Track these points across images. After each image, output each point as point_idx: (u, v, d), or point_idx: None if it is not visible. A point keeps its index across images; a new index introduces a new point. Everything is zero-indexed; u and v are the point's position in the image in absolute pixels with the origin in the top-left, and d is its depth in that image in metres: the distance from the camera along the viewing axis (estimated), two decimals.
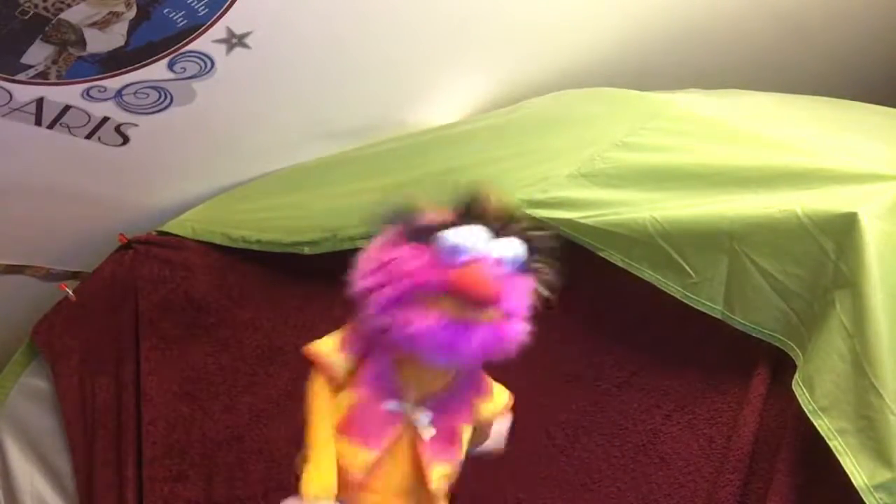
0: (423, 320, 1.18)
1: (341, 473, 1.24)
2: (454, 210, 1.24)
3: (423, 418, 1.26)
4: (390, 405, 1.26)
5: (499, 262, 1.21)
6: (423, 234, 1.22)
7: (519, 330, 1.24)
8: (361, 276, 1.23)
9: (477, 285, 1.17)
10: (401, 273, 1.20)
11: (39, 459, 2.30)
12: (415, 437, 1.26)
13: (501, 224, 1.24)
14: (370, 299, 1.21)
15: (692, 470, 1.50)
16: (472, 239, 1.21)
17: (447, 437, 1.28)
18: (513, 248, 1.23)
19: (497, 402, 1.37)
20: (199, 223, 2.19)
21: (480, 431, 1.37)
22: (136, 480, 2.12)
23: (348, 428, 1.25)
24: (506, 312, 1.21)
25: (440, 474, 1.27)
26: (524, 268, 1.24)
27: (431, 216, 1.24)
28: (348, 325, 1.30)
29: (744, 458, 1.41)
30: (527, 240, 1.25)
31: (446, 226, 1.21)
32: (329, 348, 1.28)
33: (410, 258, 1.21)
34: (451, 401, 1.29)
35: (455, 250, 1.19)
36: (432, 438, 1.27)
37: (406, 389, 1.27)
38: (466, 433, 1.32)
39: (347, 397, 1.27)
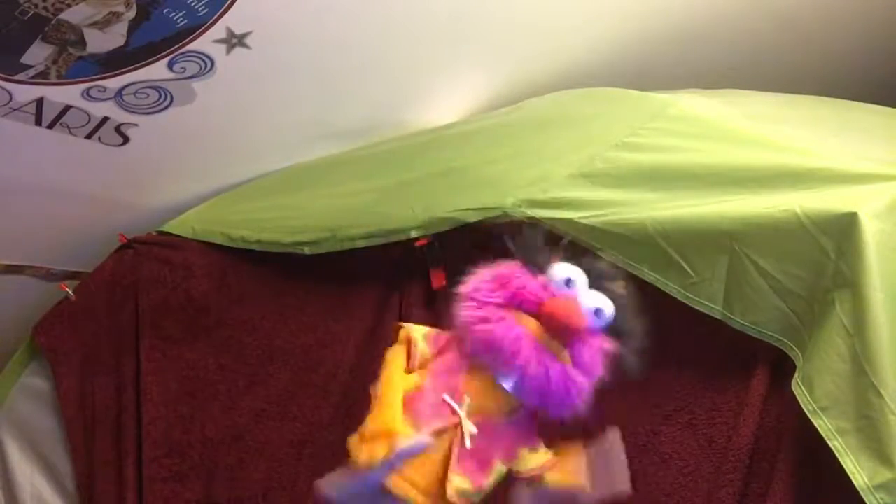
0: (508, 329, 1.24)
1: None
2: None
3: (468, 428, 1.28)
4: (448, 398, 1.29)
5: (592, 311, 1.29)
6: (537, 262, 1.32)
7: (581, 385, 1.27)
8: (476, 282, 1.29)
9: (570, 316, 1.25)
10: (514, 282, 1.28)
11: (39, 459, 2.29)
12: (452, 443, 1.28)
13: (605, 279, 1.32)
14: (474, 294, 1.28)
15: (692, 470, 1.50)
16: (581, 280, 1.30)
17: (479, 460, 1.29)
18: (607, 305, 1.30)
19: (539, 459, 1.37)
20: (199, 223, 2.18)
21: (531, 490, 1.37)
22: (136, 480, 2.11)
23: (404, 406, 1.29)
24: (577, 363, 1.27)
25: (458, 487, 1.27)
26: (611, 331, 1.30)
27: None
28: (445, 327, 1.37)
29: (744, 458, 1.41)
30: (620, 303, 1.31)
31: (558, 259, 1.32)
32: (420, 333, 1.37)
33: (526, 274, 1.30)
34: (498, 431, 1.31)
35: (566, 282, 1.29)
36: (465, 453, 1.28)
37: (465, 396, 1.29)
38: (498, 470, 1.32)
39: (413, 380, 1.32)
